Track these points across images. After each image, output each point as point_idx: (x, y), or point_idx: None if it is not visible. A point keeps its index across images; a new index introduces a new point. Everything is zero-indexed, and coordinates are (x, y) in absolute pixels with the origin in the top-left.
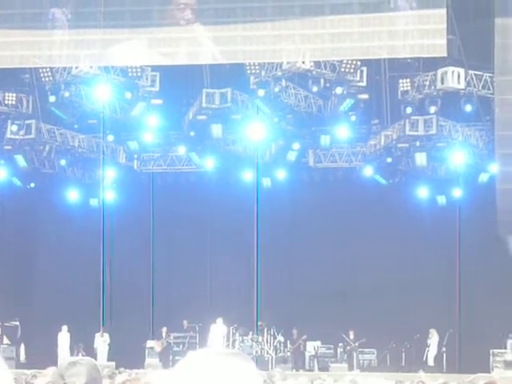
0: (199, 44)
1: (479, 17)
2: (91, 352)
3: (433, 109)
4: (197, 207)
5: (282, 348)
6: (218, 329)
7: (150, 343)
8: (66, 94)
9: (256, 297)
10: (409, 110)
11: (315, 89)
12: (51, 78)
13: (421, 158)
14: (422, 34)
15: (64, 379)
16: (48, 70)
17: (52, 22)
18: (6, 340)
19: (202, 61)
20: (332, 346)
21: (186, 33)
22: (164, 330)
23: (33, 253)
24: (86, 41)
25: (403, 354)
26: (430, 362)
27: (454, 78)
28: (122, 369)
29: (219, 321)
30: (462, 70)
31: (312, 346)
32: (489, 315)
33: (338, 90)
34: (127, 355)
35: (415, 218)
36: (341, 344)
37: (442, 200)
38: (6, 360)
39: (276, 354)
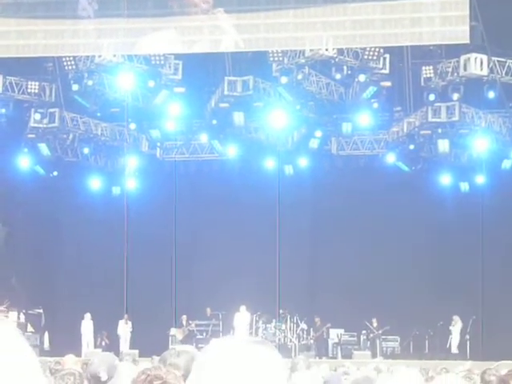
0: (222, 32)
1: (502, 3)
2: (115, 339)
3: (456, 96)
4: (219, 195)
5: (304, 336)
6: (242, 316)
7: (172, 331)
8: (89, 83)
9: (279, 284)
10: (431, 96)
11: (338, 76)
12: (74, 67)
13: (443, 145)
14: (445, 20)
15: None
16: (71, 58)
17: (79, 12)
18: (29, 328)
19: (225, 49)
20: (355, 334)
21: (209, 21)
22: (184, 317)
23: (55, 241)
24: (110, 29)
25: (426, 342)
26: (454, 350)
27: (476, 64)
28: (154, 356)
29: (243, 308)
30: (484, 57)
31: (335, 334)
32: None
33: (361, 78)
34: (150, 343)
35: (438, 204)
36: (364, 331)
37: (464, 187)
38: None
39: (299, 341)
